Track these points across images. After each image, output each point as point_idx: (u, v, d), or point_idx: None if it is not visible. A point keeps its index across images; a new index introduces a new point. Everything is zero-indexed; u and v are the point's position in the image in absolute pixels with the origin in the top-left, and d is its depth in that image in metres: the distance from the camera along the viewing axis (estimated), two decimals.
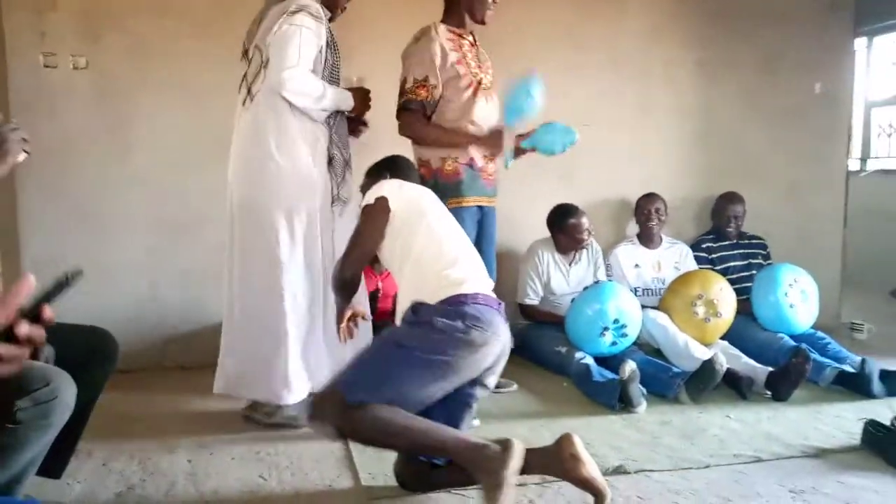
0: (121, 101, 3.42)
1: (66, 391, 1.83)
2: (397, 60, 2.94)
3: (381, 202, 2.27)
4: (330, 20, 2.71)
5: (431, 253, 2.19)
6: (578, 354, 3.27)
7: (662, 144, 4.21)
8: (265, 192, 2.62)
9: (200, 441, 2.59)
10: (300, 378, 2.67)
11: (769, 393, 3.03)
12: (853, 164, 5.94)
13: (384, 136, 2.95)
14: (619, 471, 2.31)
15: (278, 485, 2.24)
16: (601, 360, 3.27)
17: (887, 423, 2.47)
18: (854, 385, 3.08)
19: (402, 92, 2.86)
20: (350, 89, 2.75)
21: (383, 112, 2.91)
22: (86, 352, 2.16)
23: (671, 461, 2.40)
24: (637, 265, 3.90)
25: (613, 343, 3.29)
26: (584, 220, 3.66)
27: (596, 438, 2.60)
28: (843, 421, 2.75)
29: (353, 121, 2.84)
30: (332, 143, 2.71)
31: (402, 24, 3.04)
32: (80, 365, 2.04)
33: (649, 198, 3.94)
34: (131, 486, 2.24)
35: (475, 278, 2.17)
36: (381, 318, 3.46)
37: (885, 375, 3.09)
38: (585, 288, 3.55)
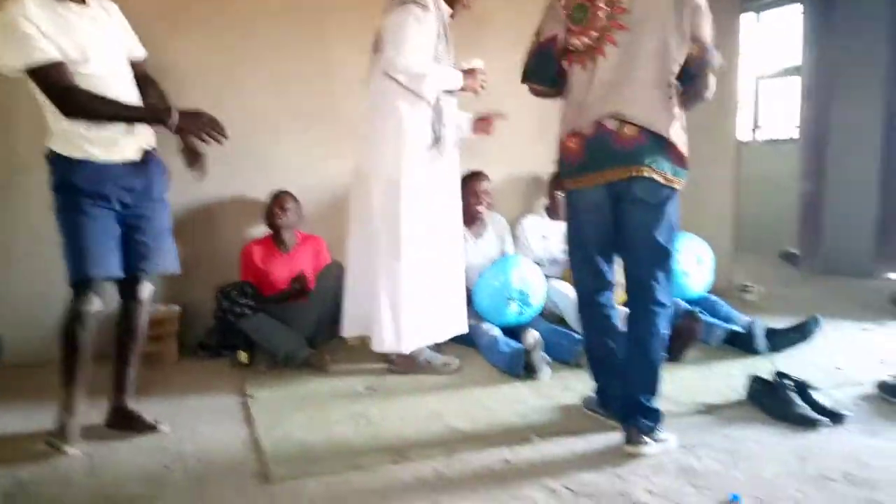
0: None
1: None
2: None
3: None
4: (451, 16, 3.03)
5: None
6: (486, 326, 3.35)
7: None
8: (374, 166, 2.96)
9: (101, 433, 2.50)
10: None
11: (665, 354, 3.18)
12: (744, 135, 6.25)
13: None
14: (524, 441, 2.39)
15: (183, 473, 2.20)
16: (508, 331, 3.36)
17: (769, 378, 2.65)
18: (742, 344, 3.29)
19: None
20: (464, 71, 3.02)
21: None
22: None
23: (572, 425, 2.50)
24: (544, 236, 3.98)
25: (519, 313, 3.38)
26: (481, 185, 3.69)
27: (502, 406, 2.69)
28: (731, 378, 2.92)
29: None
30: (438, 123, 2.98)
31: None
32: None
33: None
34: (23, 482, 2.15)
35: None
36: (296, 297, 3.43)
37: (770, 334, 3.31)
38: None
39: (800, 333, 3.30)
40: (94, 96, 2.27)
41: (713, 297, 3.74)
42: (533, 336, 2.99)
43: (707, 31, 2.27)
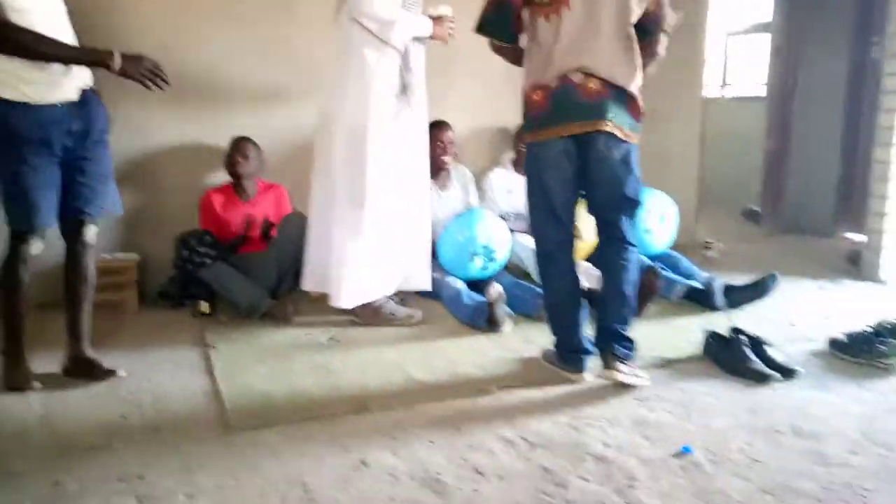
0: None
1: None
2: None
3: None
4: None
5: None
6: (450, 279, 3.35)
7: None
8: (338, 113, 2.89)
9: (57, 382, 2.47)
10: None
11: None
12: (712, 91, 6.25)
13: None
14: (483, 392, 2.41)
15: (140, 423, 2.19)
16: (472, 284, 3.37)
17: (725, 333, 2.70)
18: (701, 299, 3.35)
19: None
20: (432, 18, 2.96)
21: None
22: None
23: (531, 377, 2.54)
24: (510, 190, 3.97)
25: (483, 267, 3.39)
26: (445, 135, 3.65)
27: (463, 358, 2.72)
28: (689, 333, 2.97)
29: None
30: (406, 71, 2.92)
31: None
32: None
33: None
34: None
35: None
36: (254, 247, 3.39)
37: (728, 290, 3.37)
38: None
39: (757, 290, 3.37)
40: (36, 35, 2.18)
41: (675, 254, 3.78)
42: (496, 290, 3.01)
43: None
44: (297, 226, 3.23)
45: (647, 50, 2.40)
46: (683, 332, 3.00)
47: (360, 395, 2.38)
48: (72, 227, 2.46)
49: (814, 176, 5.13)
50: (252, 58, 3.58)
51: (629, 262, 2.46)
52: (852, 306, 3.42)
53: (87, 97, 2.38)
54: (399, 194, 3.02)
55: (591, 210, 2.55)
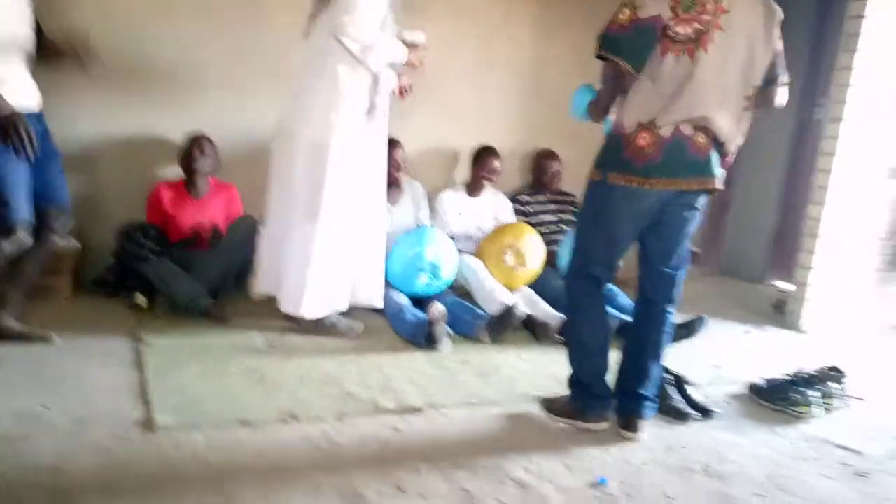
0: None
1: None
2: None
3: None
4: None
5: None
6: (394, 294, 3.38)
7: (500, 97, 4.31)
8: (301, 127, 2.89)
9: None
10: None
11: (561, 338, 3.31)
12: None
13: None
14: (415, 411, 2.45)
15: (62, 414, 2.15)
16: (416, 301, 3.41)
17: None
18: None
19: None
20: (406, 44, 2.97)
21: None
22: None
23: (465, 398, 2.58)
24: (460, 212, 4.03)
25: (428, 284, 3.43)
26: (397, 152, 3.68)
27: (399, 375, 2.75)
28: (617, 367, 3.06)
29: None
30: (375, 92, 2.94)
31: None
32: None
33: (489, 151, 4.02)
34: None
35: None
36: (198, 246, 3.37)
37: None
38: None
39: (686, 330, 3.48)
40: None
41: (613, 288, 3.87)
42: (438, 309, 3.05)
43: (781, 45, 2.28)
44: (246, 230, 3.22)
45: (764, 97, 2.30)
46: (611, 367, 3.07)
47: (292, 404, 2.39)
48: (51, 217, 2.63)
49: (751, 224, 5.33)
50: (218, 54, 3.56)
51: (671, 328, 2.46)
52: (774, 353, 3.56)
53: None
54: (356, 211, 3.04)
55: (654, 260, 2.44)
